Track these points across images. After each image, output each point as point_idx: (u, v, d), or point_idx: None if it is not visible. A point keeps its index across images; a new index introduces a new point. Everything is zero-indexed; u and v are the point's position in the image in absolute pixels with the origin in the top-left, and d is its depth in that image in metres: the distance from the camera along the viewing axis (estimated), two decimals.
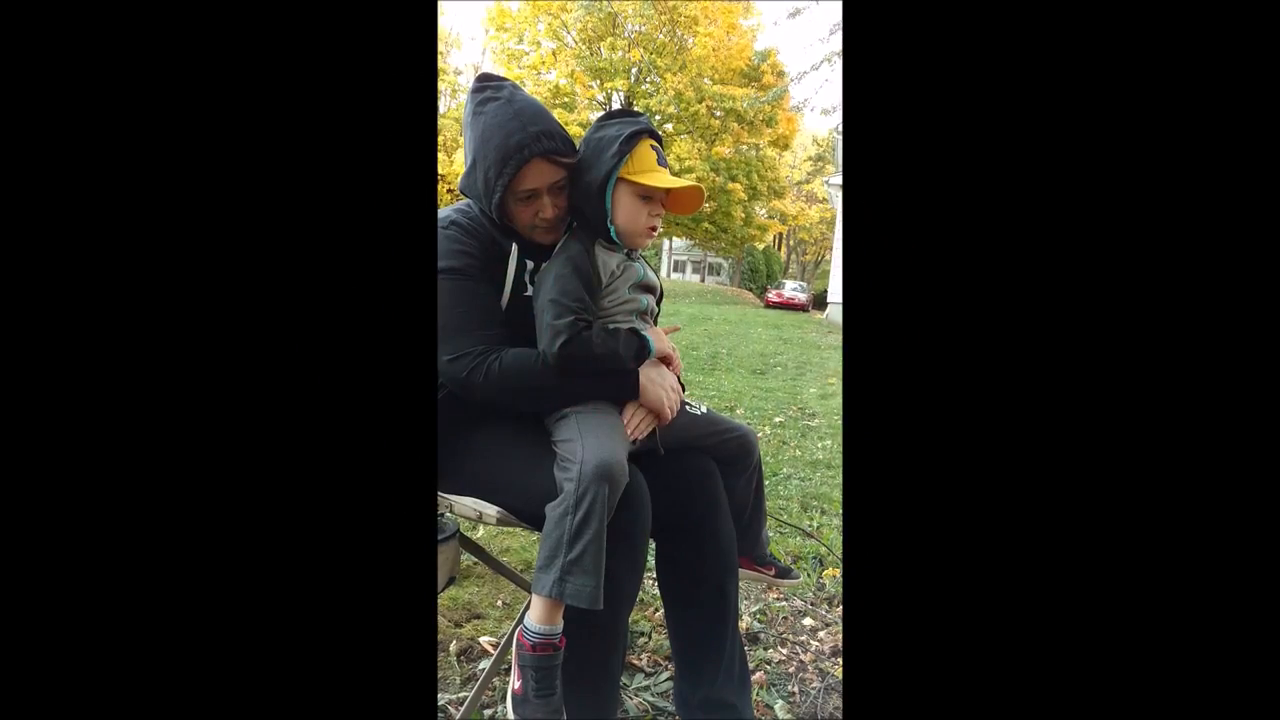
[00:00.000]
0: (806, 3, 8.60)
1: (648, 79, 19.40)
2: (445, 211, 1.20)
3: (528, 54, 19.57)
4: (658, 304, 1.28)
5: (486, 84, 1.15)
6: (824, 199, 29.20)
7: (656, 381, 1.16)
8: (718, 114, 18.80)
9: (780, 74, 18.09)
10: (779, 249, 39.48)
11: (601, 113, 1.81)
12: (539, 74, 19.21)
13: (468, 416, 1.16)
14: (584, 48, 19.31)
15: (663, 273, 34.70)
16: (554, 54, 19.29)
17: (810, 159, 35.52)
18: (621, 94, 19.63)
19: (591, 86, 19.31)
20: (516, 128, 1.10)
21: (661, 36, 19.25)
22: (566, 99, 18.80)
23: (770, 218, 24.18)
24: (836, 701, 1.43)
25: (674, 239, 30.40)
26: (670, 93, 18.35)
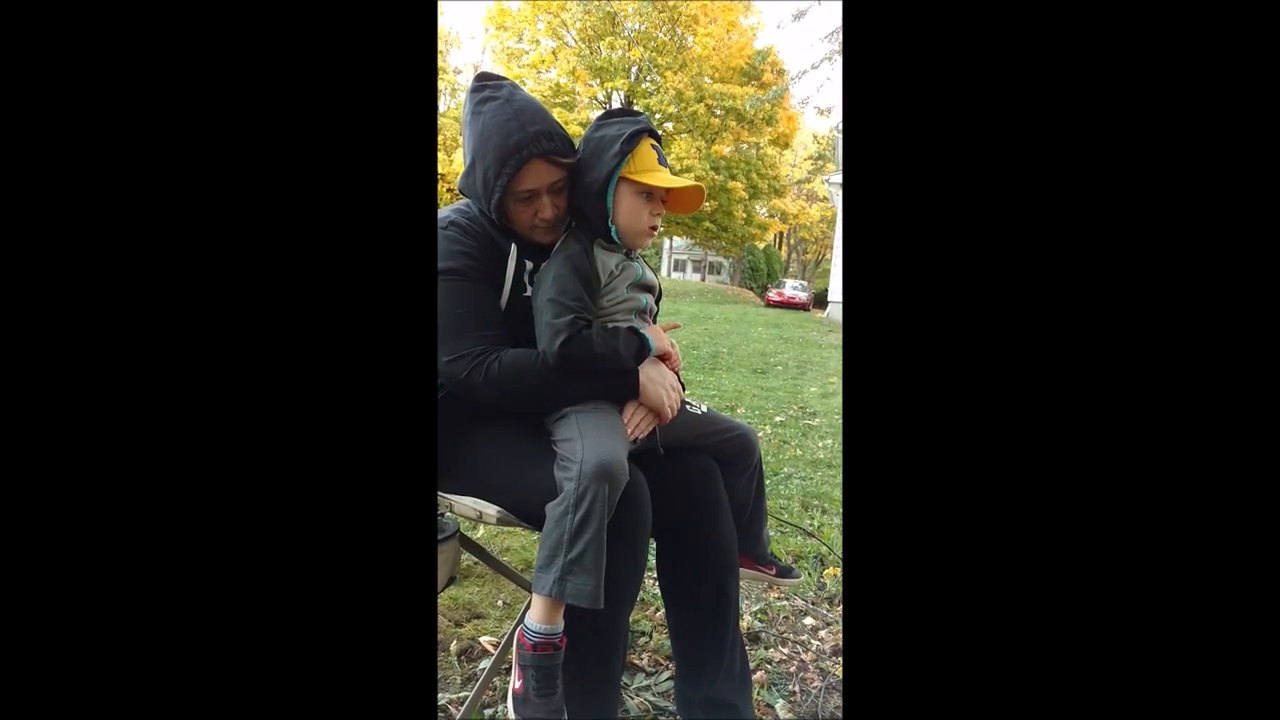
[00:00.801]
0: (810, 3, 8.59)
1: (648, 78, 19.39)
2: (444, 212, 1.20)
3: (527, 53, 19.56)
4: (656, 303, 1.28)
5: (485, 83, 1.15)
6: (824, 197, 29.18)
7: (656, 381, 1.16)
8: (718, 113, 18.80)
9: (780, 72, 18.08)
10: (779, 248, 39.47)
11: (601, 111, 1.81)
12: (539, 73, 19.21)
13: (468, 417, 1.16)
14: (584, 46, 19.30)
15: (663, 272, 34.70)
16: (554, 53, 19.29)
17: (811, 158, 35.49)
18: (622, 93, 19.63)
19: (592, 85, 19.31)
20: (516, 128, 1.09)
21: (661, 35, 19.25)
22: (567, 98, 18.79)
23: (771, 216, 24.19)
24: (837, 701, 1.43)
25: (674, 238, 30.40)
26: (671, 92, 18.35)
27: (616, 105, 19.51)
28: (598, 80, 19.35)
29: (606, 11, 18.88)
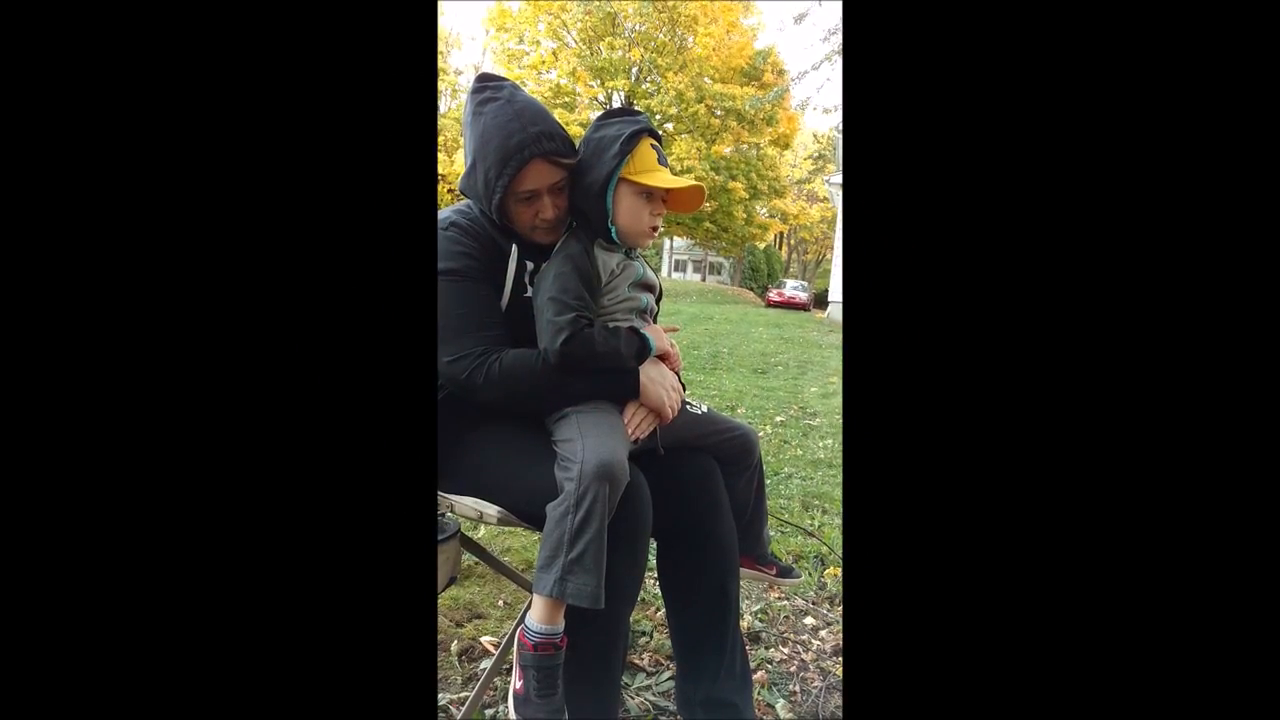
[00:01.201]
0: (811, 3, 8.55)
1: (648, 78, 19.40)
2: (445, 212, 1.20)
3: (528, 54, 19.57)
4: (657, 303, 1.28)
5: (486, 84, 1.15)
6: (825, 197, 29.16)
7: (657, 381, 1.16)
8: (718, 113, 18.80)
9: (781, 72, 18.08)
10: (780, 248, 39.46)
11: (601, 112, 1.81)
12: (540, 74, 19.21)
13: (468, 417, 1.16)
14: (584, 47, 19.30)
15: (663, 272, 34.68)
16: (554, 54, 19.29)
17: (811, 157, 35.49)
18: (622, 93, 19.63)
19: (592, 86, 19.32)
20: (517, 128, 1.09)
21: (662, 36, 19.25)
22: (567, 98, 18.79)
23: (771, 217, 24.18)
24: (838, 700, 1.43)
25: (674, 238, 30.39)
26: (671, 92, 18.34)
27: (617, 106, 19.50)
28: (598, 81, 19.35)
29: (607, 12, 18.89)
